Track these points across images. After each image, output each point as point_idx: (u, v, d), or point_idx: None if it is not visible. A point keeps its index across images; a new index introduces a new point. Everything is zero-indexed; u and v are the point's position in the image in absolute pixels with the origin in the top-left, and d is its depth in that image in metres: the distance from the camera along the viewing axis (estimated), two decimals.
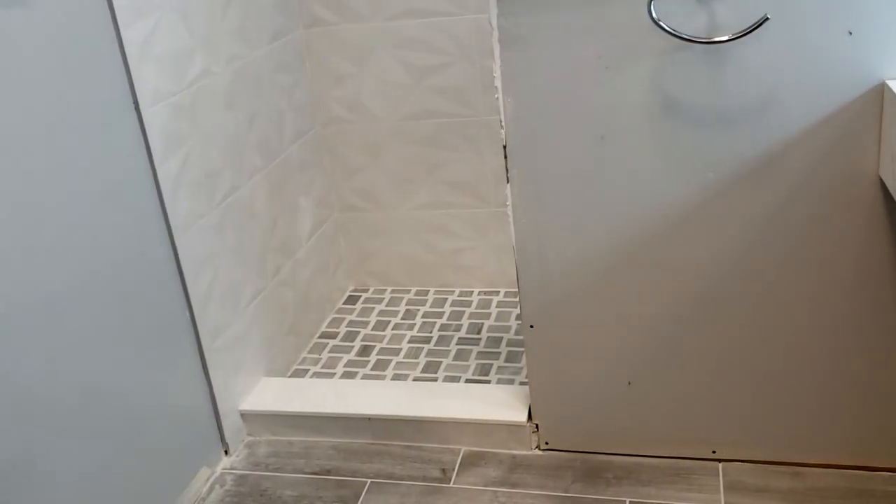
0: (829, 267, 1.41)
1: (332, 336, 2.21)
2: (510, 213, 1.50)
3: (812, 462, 1.54)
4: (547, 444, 1.68)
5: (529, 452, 1.68)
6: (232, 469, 1.75)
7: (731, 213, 1.41)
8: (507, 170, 1.47)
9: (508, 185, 1.48)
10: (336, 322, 2.28)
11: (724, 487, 1.52)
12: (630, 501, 1.52)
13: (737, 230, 1.42)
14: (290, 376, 2.05)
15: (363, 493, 1.63)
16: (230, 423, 1.78)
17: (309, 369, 2.08)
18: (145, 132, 1.51)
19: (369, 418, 1.75)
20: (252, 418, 1.83)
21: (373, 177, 2.26)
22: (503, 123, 1.44)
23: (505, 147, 1.46)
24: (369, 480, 1.66)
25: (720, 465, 1.58)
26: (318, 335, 2.23)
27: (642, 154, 1.40)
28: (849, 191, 1.35)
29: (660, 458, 1.61)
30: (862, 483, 1.49)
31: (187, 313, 1.64)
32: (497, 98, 1.42)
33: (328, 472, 1.70)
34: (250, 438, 1.84)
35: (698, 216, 1.43)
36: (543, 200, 1.48)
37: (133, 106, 1.48)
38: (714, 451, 1.59)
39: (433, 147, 2.18)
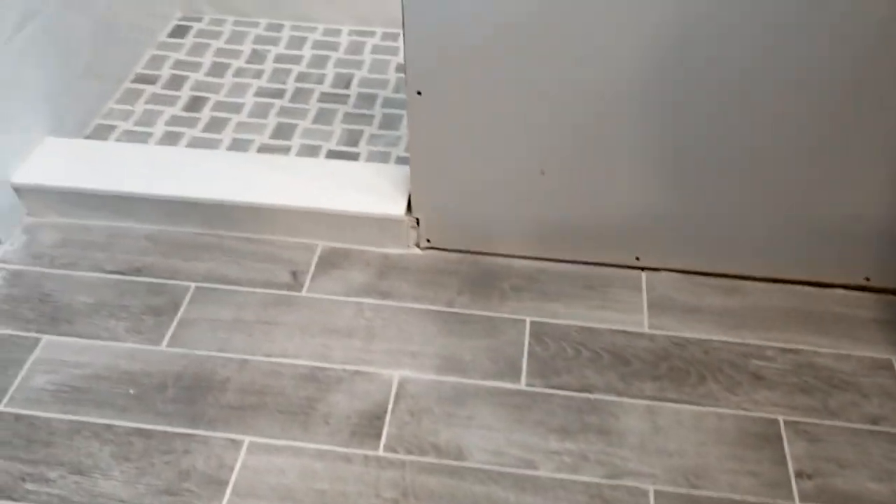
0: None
1: (151, 80, 1.68)
2: None
3: (754, 276, 1.26)
4: (429, 241, 1.31)
5: (406, 251, 1.31)
6: (3, 262, 1.29)
7: None
8: None
9: None
10: (157, 62, 1.74)
11: (648, 305, 1.22)
12: (531, 321, 1.20)
13: None
14: (88, 136, 1.54)
15: (185, 303, 1.23)
16: None
17: (116, 126, 1.57)
18: None
19: (196, 202, 1.31)
20: (31, 194, 1.35)
21: None
22: None
23: None
24: (194, 285, 1.26)
25: (643, 275, 1.27)
26: (130, 79, 1.70)
27: None
28: None
29: (570, 264, 1.28)
30: (810, 303, 1.22)
31: None
32: None
33: (138, 272, 1.28)
34: (30, 220, 1.36)
35: None
36: None
37: None
38: (638, 258, 1.27)
39: None
